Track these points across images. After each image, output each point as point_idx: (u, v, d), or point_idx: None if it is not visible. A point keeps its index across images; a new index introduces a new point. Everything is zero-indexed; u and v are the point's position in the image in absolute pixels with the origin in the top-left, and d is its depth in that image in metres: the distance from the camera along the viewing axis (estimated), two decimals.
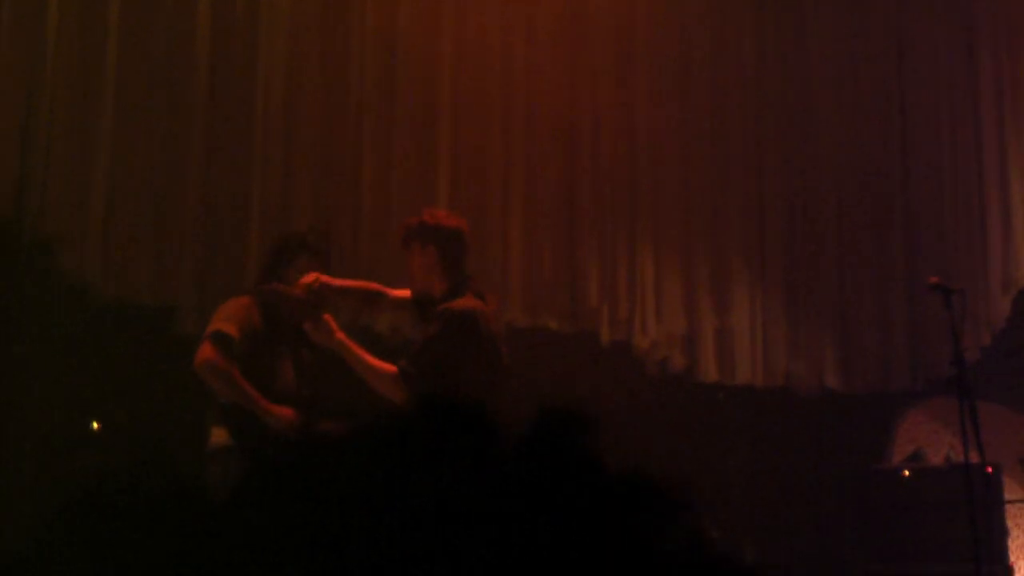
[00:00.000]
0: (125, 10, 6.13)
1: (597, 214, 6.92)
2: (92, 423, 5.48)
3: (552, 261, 6.79)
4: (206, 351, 4.62)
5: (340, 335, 4.66)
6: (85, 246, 5.84)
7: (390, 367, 4.59)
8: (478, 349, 4.59)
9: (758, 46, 7.34)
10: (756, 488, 6.91)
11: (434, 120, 6.65)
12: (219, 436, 4.75)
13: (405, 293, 4.84)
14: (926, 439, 6.70)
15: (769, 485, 6.94)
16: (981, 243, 7.43)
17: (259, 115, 6.31)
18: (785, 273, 7.27)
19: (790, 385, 7.16)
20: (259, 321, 4.76)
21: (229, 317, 4.72)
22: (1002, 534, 6.04)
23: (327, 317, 4.67)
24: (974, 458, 5.23)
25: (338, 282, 4.82)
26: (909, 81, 7.52)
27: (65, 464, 5.47)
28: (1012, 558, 6.25)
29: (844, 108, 7.40)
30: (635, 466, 0.71)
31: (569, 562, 0.64)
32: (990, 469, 5.82)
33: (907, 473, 6.38)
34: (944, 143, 7.52)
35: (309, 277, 4.69)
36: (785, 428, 7.10)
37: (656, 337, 6.96)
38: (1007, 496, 6.19)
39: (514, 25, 6.86)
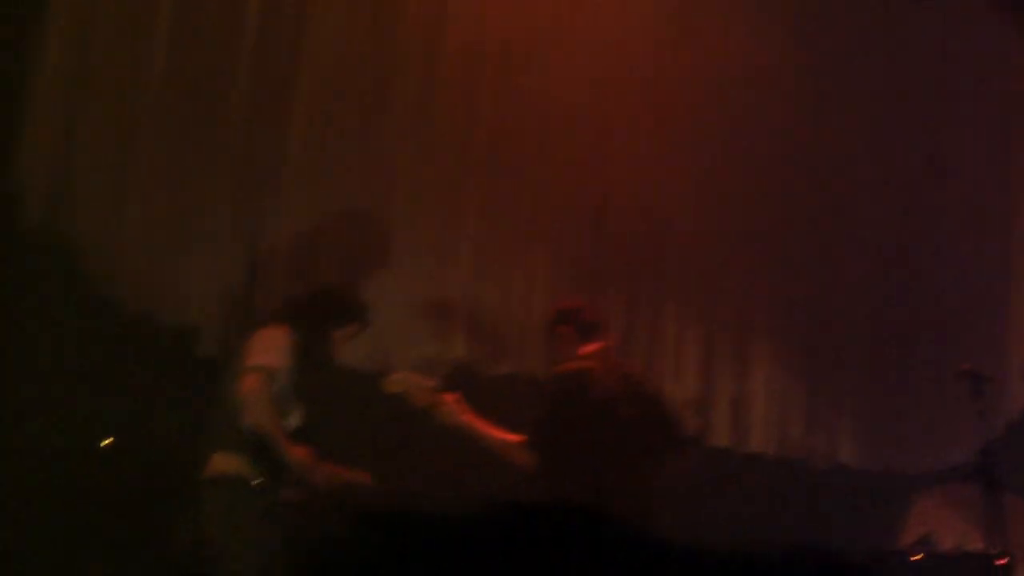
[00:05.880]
0: (171, 23, 6.14)
1: (622, 269, 6.88)
2: (107, 438, 5.42)
3: None
4: (251, 382, 4.60)
5: (467, 416, 4.96)
6: (113, 258, 5.82)
7: (515, 437, 4.98)
8: (588, 407, 4.97)
9: (794, 107, 7.28)
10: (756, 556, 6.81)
11: (467, 172, 6.62)
12: (225, 464, 4.69)
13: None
14: (937, 523, 6.61)
15: (767, 555, 6.84)
16: (1004, 330, 7.39)
17: (295, 133, 6.30)
18: (806, 344, 7.22)
19: (803, 457, 7.09)
20: (292, 357, 4.75)
21: (270, 349, 4.69)
22: None
23: (451, 398, 4.90)
24: (989, 547, 5.15)
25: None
26: (946, 153, 7.48)
27: (71, 478, 5.42)
28: None
29: (877, 181, 7.36)
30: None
31: None
32: (1005, 560, 5.74)
33: (917, 557, 6.30)
34: (973, 225, 7.49)
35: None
36: (795, 500, 7.02)
37: (671, 397, 6.89)
38: None
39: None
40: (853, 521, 6.85)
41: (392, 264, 6.41)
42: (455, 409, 4.91)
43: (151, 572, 5.42)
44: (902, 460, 7.19)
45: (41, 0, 5.92)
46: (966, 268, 7.43)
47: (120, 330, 5.78)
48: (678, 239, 6.99)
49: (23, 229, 5.73)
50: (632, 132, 6.95)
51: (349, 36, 6.48)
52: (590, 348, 5.26)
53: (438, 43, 6.64)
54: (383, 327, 6.09)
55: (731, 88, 7.15)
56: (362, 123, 6.48)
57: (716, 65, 7.07)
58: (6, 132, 5.81)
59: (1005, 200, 7.56)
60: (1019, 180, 7.57)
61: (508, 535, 0.91)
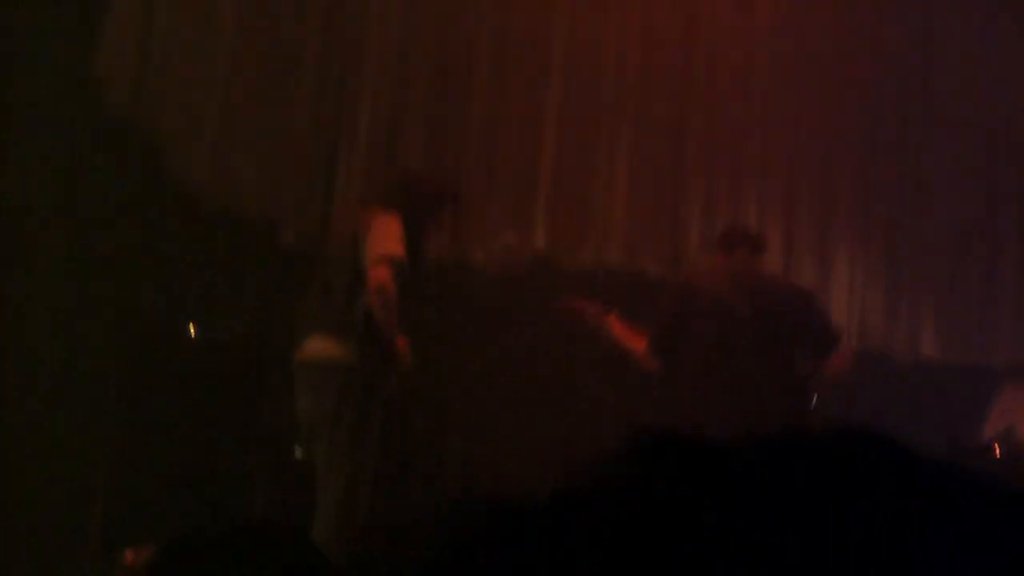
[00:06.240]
0: None
1: (704, 162, 6.80)
2: (189, 329, 5.52)
3: (655, 204, 6.69)
4: (383, 274, 4.55)
5: (622, 331, 5.25)
6: (195, 150, 5.84)
7: (640, 343, 5.25)
8: (696, 310, 5.21)
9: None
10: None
11: (548, 62, 6.54)
12: (326, 349, 4.68)
13: None
14: (1020, 418, 6.55)
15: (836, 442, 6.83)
16: None
17: (372, 41, 6.24)
18: (889, 234, 7.11)
19: (884, 350, 7.03)
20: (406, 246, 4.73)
21: (392, 237, 4.64)
22: None
23: (611, 317, 5.21)
24: None
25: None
26: None
27: (158, 371, 5.53)
28: None
29: (971, 84, 7.15)
30: None
31: None
32: None
33: (996, 451, 6.26)
34: None
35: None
36: (874, 392, 6.98)
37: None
38: None
39: None
40: (933, 414, 6.81)
41: (471, 152, 6.38)
42: (613, 327, 5.13)
43: (246, 456, 5.55)
44: (986, 351, 7.10)
45: None
46: None
47: (203, 222, 5.84)
48: (757, 134, 6.88)
49: (105, 121, 5.76)
50: (718, 38, 6.81)
51: None
52: (726, 258, 5.48)
53: None
54: (462, 217, 6.11)
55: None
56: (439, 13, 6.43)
57: None
58: (87, 22, 5.81)
59: None
60: None
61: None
